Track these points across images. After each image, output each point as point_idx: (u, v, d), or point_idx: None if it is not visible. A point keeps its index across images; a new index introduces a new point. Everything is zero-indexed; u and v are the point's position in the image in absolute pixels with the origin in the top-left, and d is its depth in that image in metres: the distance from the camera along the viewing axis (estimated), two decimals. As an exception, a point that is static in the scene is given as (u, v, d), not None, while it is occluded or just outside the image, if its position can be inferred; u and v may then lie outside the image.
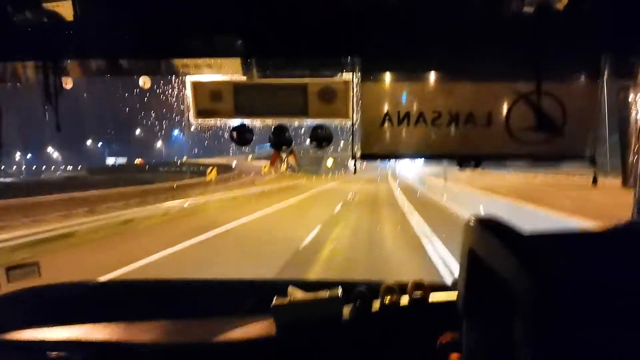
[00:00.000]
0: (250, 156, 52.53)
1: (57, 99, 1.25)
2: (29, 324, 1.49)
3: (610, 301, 0.36)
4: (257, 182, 37.32)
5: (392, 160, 1.44)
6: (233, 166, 49.49)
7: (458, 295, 0.55)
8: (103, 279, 5.16)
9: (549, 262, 0.40)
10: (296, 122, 1.38)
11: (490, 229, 0.47)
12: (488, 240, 0.47)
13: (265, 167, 41.75)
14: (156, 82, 1.48)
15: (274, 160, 1.45)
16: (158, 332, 1.42)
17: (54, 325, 1.49)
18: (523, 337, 0.38)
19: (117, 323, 1.47)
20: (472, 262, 0.51)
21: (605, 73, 1.18)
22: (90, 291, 1.92)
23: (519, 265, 0.39)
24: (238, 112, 1.34)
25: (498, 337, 0.51)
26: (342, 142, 1.44)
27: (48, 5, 1.13)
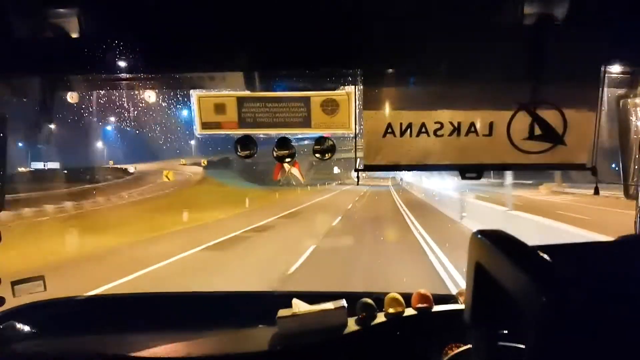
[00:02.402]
0: (183, 160, 45.07)
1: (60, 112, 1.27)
2: (35, 338, 1.48)
3: (616, 313, 0.36)
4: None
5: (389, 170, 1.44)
6: (132, 171, 38.56)
7: (465, 308, 0.55)
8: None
9: (555, 274, 0.40)
10: (299, 134, 1.40)
11: (495, 242, 0.48)
12: (494, 253, 0.47)
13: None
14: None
15: (277, 171, 1.47)
16: (164, 346, 1.41)
17: (58, 339, 1.49)
18: (530, 348, 0.38)
19: (123, 336, 1.47)
20: (478, 275, 0.51)
21: (606, 84, 1.20)
22: (95, 304, 1.91)
23: (525, 278, 0.40)
24: (242, 125, 1.36)
25: (506, 348, 0.52)
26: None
27: (55, 22, 1.15)
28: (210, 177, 38.89)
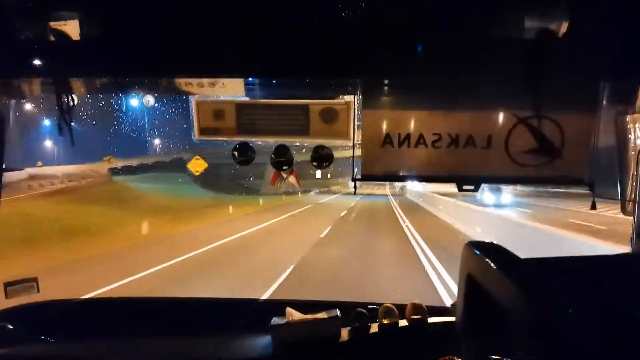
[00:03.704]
0: (107, 157, 40.77)
1: (70, 115, 1.27)
2: (26, 341, 1.47)
3: (603, 324, 0.36)
4: None
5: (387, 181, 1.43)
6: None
7: (456, 318, 0.55)
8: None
9: (544, 287, 0.40)
10: (297, 142, 1.40)
11: (487, 254, 0.48)
12: (485, 265, 0.47)
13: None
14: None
15: (275, 178, 1.46)
16: (155, 351, 1.39)
17: (50, 342, 1.47)
18: (519, 358, 0.38)
19: (115, 340, 1.46)
20: (470, 286, 0.51)
21: (605, 99, 1.20)
22: (88, 308, 1.90)
23: (515, 289, 0.40)
24: (240, 131, 1.36)
25: (496, 358, 0.51)
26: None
27: (55, 25, 1.16)
28: (121, 183, 29.26)
